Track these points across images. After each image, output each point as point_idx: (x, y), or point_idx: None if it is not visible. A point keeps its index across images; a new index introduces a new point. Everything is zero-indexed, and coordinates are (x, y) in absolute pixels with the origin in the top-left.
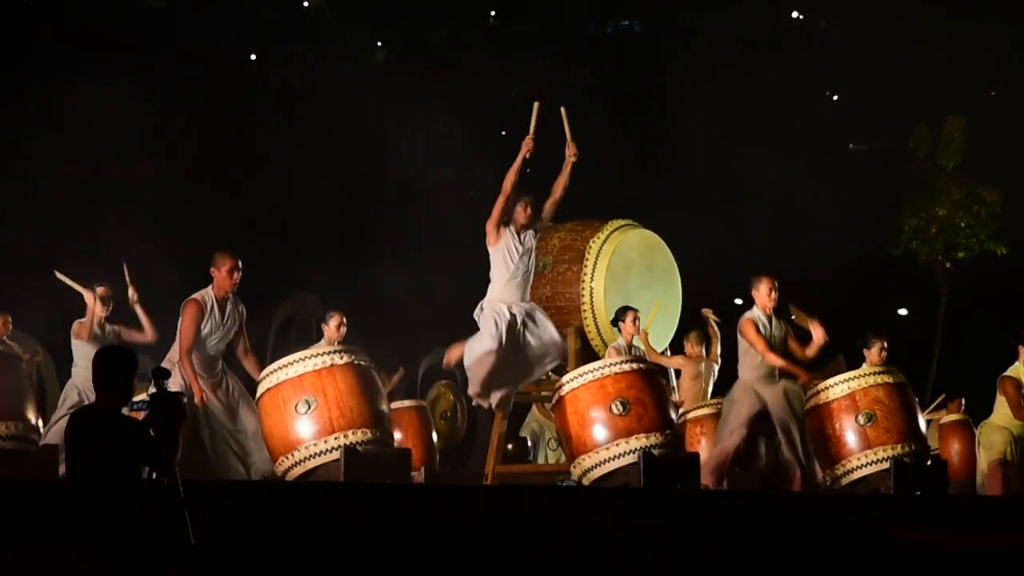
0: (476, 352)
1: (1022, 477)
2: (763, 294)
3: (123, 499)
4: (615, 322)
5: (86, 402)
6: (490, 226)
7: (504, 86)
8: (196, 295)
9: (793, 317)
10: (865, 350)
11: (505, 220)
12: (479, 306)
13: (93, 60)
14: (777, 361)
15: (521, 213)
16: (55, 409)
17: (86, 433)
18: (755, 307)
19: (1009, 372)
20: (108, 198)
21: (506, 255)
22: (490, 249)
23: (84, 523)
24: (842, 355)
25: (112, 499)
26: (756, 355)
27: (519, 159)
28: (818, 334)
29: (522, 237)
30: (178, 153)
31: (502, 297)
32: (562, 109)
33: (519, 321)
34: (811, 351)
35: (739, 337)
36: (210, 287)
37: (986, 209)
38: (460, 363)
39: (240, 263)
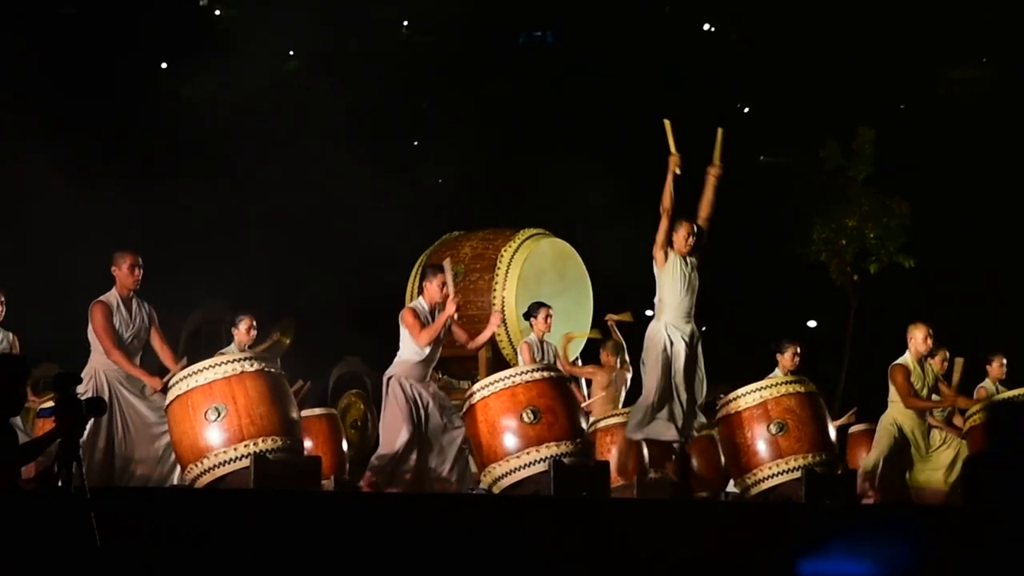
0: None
1: (902, 472)
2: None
3: (18, 506)
4: (527, 316)
5: None
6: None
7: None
8: (101, 297)
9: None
10: (778, 355)
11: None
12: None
13: None
14: None
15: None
16: None
17: None
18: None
19: (899, 360)
20: None
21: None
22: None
23: None
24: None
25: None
26: None
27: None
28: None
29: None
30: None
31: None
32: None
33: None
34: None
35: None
36: (114, 287)
37: (896, 220)
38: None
39: (140, 260)
